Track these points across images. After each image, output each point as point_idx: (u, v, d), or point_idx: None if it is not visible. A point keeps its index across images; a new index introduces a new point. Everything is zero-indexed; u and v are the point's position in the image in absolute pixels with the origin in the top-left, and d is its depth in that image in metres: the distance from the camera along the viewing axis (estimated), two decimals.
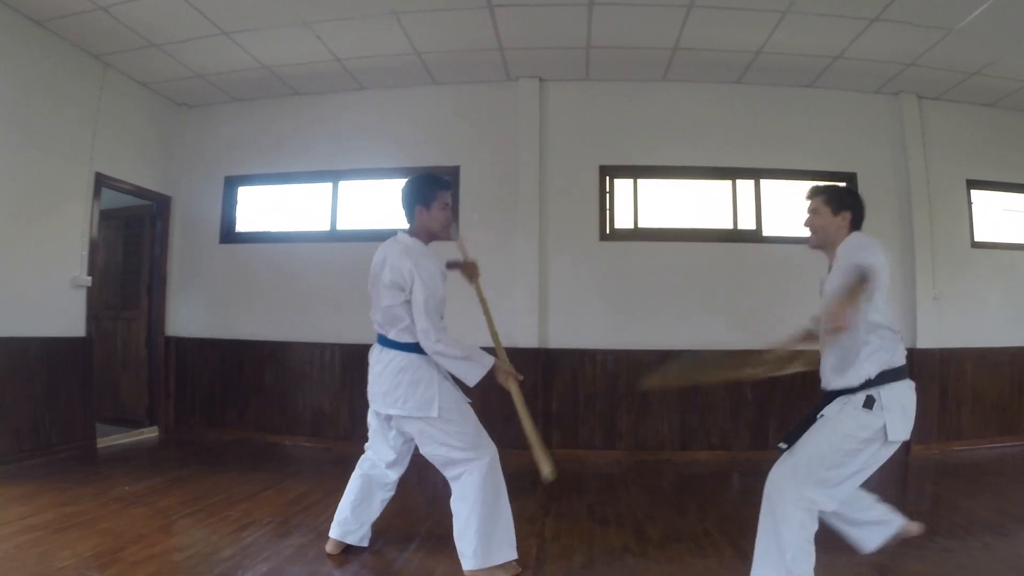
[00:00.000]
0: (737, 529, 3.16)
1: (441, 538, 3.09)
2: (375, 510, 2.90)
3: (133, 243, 5.86)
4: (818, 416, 2.30)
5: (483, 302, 2.94)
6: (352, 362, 5.26)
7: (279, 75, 5.34)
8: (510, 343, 5.06)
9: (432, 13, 4.42)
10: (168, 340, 5.74)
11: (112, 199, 5.46)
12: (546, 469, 2.48)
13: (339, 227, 5.57)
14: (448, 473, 2.64)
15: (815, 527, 2.25)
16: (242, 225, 5.84)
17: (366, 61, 5.13)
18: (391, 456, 2.82)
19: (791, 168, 5.37)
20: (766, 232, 5.33)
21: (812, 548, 2.23)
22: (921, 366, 5.14)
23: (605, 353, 5.15)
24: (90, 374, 4.94)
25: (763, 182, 5.39)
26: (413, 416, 2.59)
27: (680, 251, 5.26)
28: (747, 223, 5.35)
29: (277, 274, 5.60)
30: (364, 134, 5.55)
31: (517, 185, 5.28)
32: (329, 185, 5.60)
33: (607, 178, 5.38)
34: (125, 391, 5.77)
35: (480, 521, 2.54)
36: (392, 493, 2.92)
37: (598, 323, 5.21)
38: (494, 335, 2.87)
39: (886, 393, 2.20)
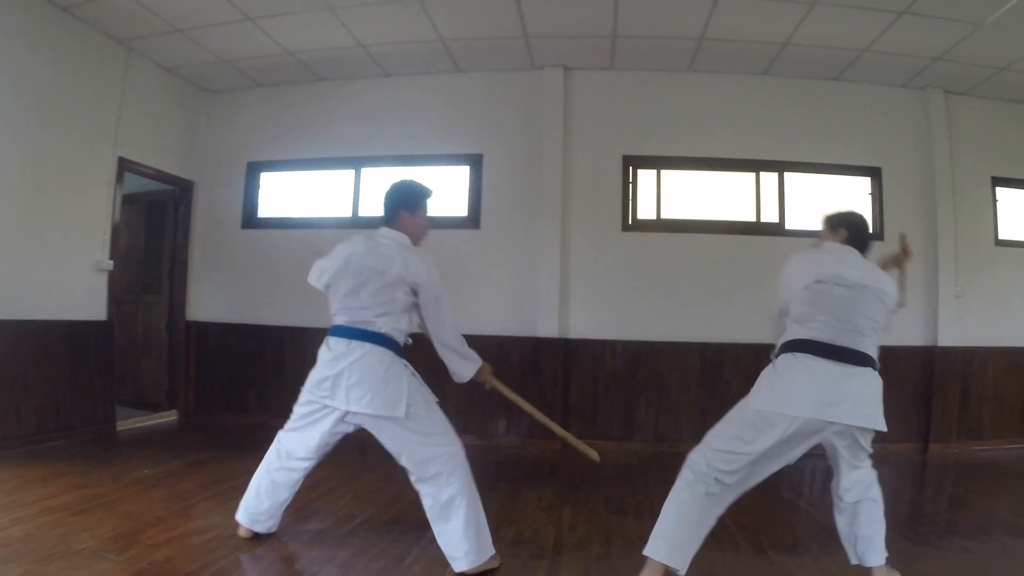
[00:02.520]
0: (754, 523, 3.15)
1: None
2: (286, 499, 2.83)
3: (155, 228, 5.87)
4: None
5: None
6: None
7: (303, 61, 5.32)
8: (531, 332, 5.16)
9: None
10: (189, 324, 5.75)
11: (135, 183, 5.47)
12: (592, 454, 2.83)
13: (361, 214, 5.54)
14: (421, 473, 2.54)
15: (701, 495, 2.33)
16: (264, 211, 5.84)
17: (391, 47, 5.10)
18: (309, 451, 2.71)
19: (816, 162, 5.33)
20: (789, 225, 5.29)
21: (690, 519, 2.32)
22: (942, 364, 5.12)
23: (625, 344, 5.14)
24: (111, 357, 4.96)
25: (787, 175, 5.34)
26: (380, 415, 2.50)
27: (702, 243, 5.23)
28: (770, 216, 5.32)
29: (299, 260, 5.49)
30: (388, 121, 5.53)
31: (540, 174, 5.25)
32: (352, 172, 5.59)
33: (630, 168, 5.35)
34: (145, 375, 5.80)
35: (469, 520, 2.51)
36: (302, 478, 2.82)
37: (619, 314, 5.19)
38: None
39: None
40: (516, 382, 5.05)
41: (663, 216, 5.32)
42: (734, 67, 5.27)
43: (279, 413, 5.42)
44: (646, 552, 2.31)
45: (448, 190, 5.43)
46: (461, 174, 5.49)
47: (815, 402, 2.22)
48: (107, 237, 4.95)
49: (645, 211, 5.35)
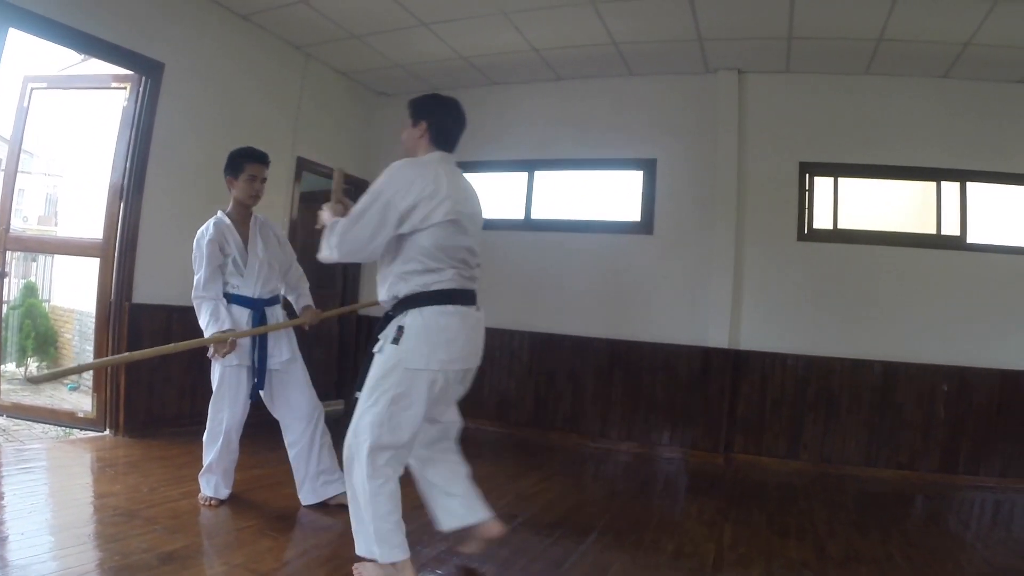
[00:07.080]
0: (921, 556, 3.00)
1: (619, 532, 3.13)
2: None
3: None
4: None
5: None
6: (540, 351, 5.39)
7: (476, 65, 5.42)
8: (700, 342, 5.12)
9: (630, 3, 4.35)
10: (360, 318, 6.00)
11: (311, 182, 5.71)
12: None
13: (534, 216, 5.64)
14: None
15: (388, 481, 2.25)
16: None
17: (563, 52, 5.13)
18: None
19: (1001, 171, 4.99)
20: (971, 239, 5.04)
21: (393, 505, 2.25)
22: None
23: (796, 358, 4.99)
24: None
25: (970, 185, 5.06)
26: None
27: (879, 255, 5.01)
28: (951, 228, 5.07)
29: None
30: (560, 124, 5.58)
31: (715, 180, 5.17)
32: (524, 174, 5.68)
33: (807, 175, 5.19)
34: (315, 365, 5.98)
35: None
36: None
37: (791, 326, 5.05)
38: None
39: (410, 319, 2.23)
40: (683, 391, 5.15)
41: (840, 226, 5.16)
42: (913, 70, 5.00)
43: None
44: None
45: (621, 194, 5.45)
46: (634, 179, 5.47)
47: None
48: (285, 233, 5.19)
49: (821, 220, 5.19)
